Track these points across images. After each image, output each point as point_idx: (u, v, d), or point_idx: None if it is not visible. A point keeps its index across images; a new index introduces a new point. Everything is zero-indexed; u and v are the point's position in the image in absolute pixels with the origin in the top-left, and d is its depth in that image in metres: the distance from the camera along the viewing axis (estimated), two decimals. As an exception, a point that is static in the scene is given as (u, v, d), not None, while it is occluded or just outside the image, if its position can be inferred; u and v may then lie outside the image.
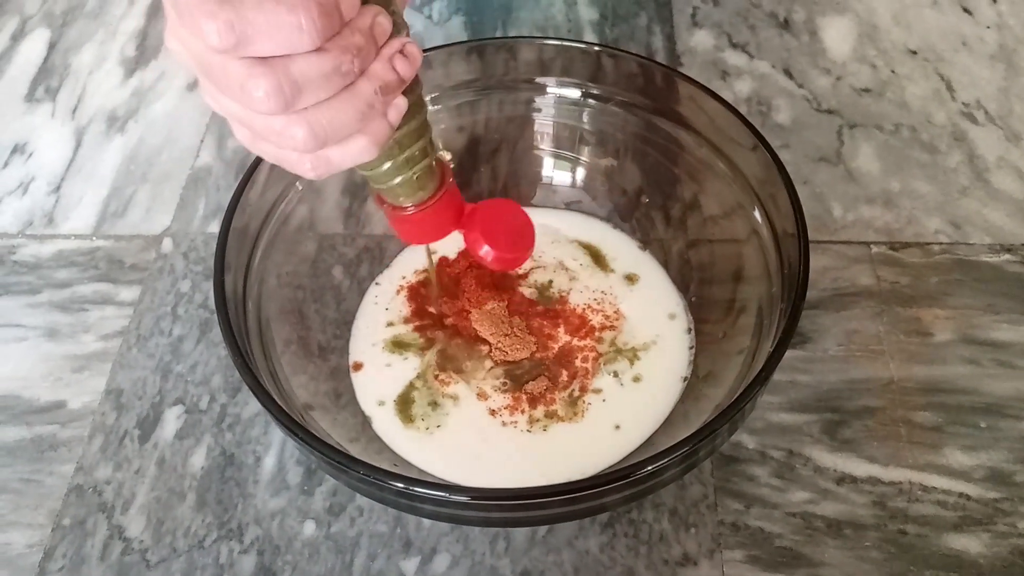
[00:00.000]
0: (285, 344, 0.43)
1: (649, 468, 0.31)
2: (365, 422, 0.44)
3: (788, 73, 0.62)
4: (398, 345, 0.47)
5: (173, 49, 0.27)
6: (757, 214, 0.43)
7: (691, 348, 0.46)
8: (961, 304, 0.49)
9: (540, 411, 0.44)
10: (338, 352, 0.47)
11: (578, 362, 0.45)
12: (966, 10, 0.66)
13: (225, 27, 0.24)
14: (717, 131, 0.45)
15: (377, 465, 0.32)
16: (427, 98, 0.49)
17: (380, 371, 0.46)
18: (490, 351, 0.46)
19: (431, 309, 0.48)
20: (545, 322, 0.47)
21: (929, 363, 0.47)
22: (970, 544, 0.41)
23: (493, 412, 0.44)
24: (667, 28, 0.66)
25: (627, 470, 0.31)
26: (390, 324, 0.48)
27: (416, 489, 0.31)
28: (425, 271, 0.50)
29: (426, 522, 0.43)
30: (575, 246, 0.51)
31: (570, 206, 0.52)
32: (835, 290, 0.50)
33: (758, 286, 0.43)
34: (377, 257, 0.51)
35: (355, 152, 0.29)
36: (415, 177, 0.35)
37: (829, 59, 0.63)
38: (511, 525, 0.41)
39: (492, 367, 0.45)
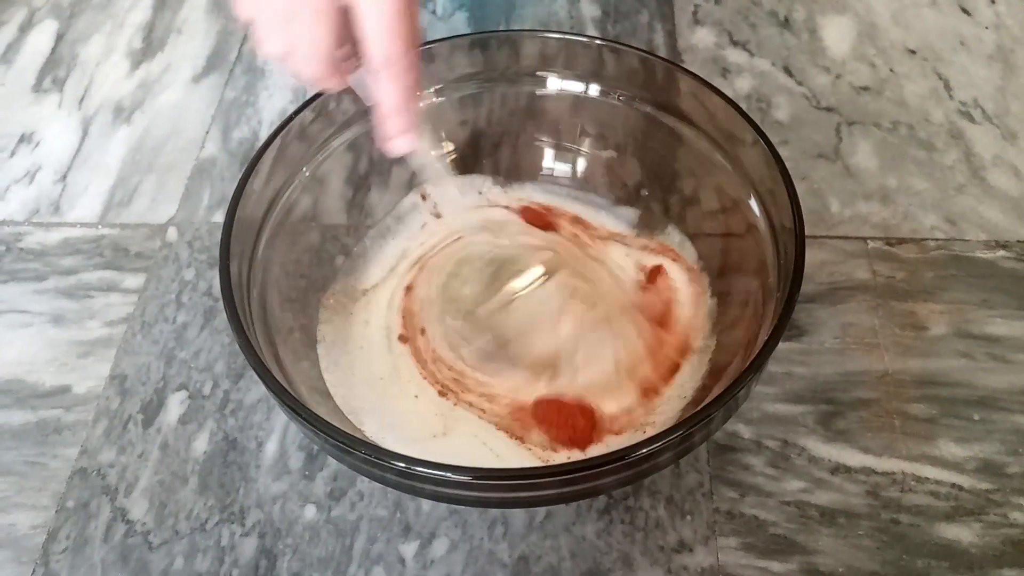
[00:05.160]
0: (288, 332, 0.44)
1: (644, 451, 0.32)
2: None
3: (788, 71, 0.63)
4: None
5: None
6: (755, 208, 0.44)
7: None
8: (956, 299, 0.50)
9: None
10: (340, 340, 0.47)
11: None
12: (964, 10, 0.67)
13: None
14: (717, 126, 0.46)
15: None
16: (431, 90, 0.50)
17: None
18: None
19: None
20: None
21: (923, 356, 0.48)
22: (962, 534, 0.42)
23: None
24: (668, 25, 0.67)
25: (622, 452, 0.32)
26: None
27: (417, 469, 0.32)
28: None
29: (425, 507, 0.43)
30: None
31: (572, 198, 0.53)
32: (831, 284, 0.51)
33: (755, 279, 0.43)
34: (379, 247, 0.51)
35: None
36: None
37: (828, 57, 0.64)
38: (509, 506, 0.41)
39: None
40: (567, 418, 0.42)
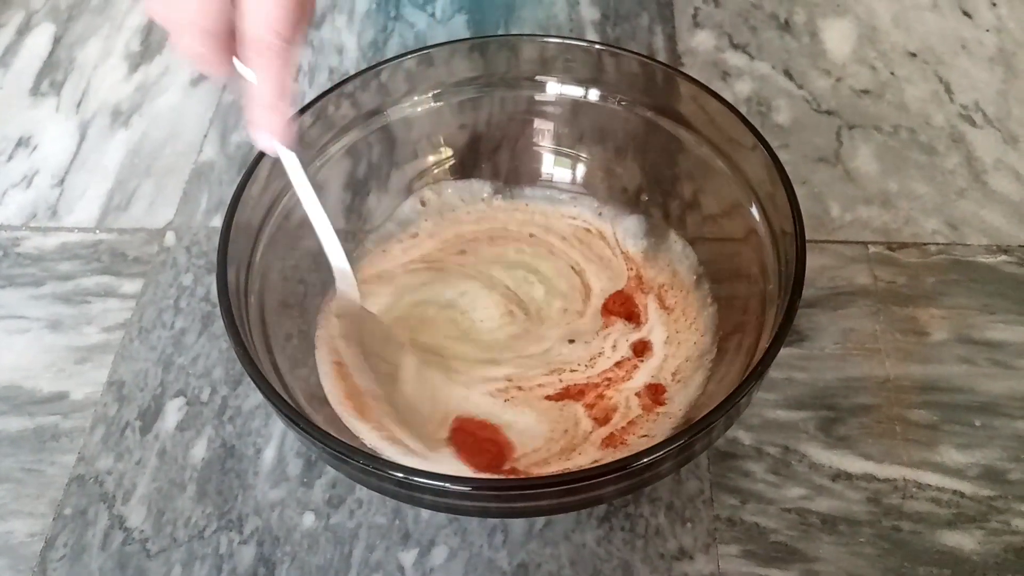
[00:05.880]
0: (286, 338, 0.44)
1: (645, 460, 0.31)
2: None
3: (788, 74, 0.63)
4: None
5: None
6: (756, 213, 0.44)
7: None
8: (957, 304, 0.50)
9: None
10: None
11: None
12: (966, 13, 0.67)
13: None
14: (717, 130, 0.46)
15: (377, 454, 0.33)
16: (430, 95, 0.50)
17: None
18: None
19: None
20: None
21: (925, 362, 0.47)
22: (964, 541, 0.41)
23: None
24: (668, 28, 0.66)
25: (623, 462, 0.31)
26: None
27: (415, 479, 0.32)
28: None
29: (424, 514, 0.43)
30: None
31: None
32: (832, 289, 0.51)
33: (756, 284, 0.43)
34: (378, 252, 0.51)
35: None
36: None
37: (829, 60, 0.64)
38: (509, 515, 0.41)
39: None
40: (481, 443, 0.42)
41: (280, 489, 0.44)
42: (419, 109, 0.50)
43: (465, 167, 0.53)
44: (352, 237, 0.51)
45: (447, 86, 0.50)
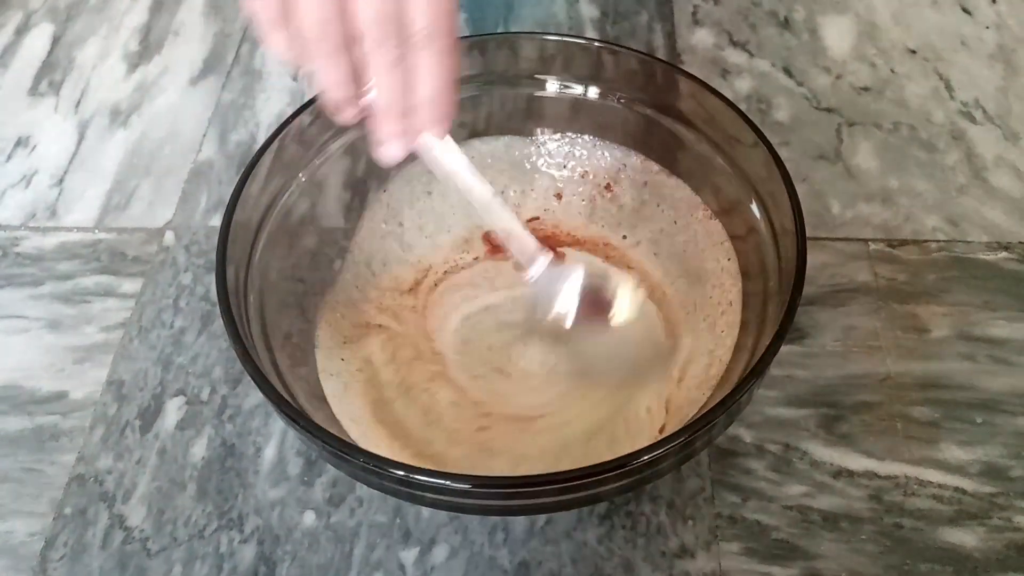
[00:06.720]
0: (286, 337, 0.44)
1: (646, 457, 0.31)
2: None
3: (788, 71, 0.63)
4: None
5: None
6: (756, 211, 0.44)
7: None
8: (958, 301, 0.50)
9: None
10: (339, 345, 0.47)
11: None
12: (965, 10, 0.67)
13: None
14: (717, 128, 0.46)
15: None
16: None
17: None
18: None
19: None
20: None
21: (926, 359, 0.47)
22: (965, 538, 0.41)
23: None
24: (667, 26, 0.66)
25: (624, 459, 0.31)
26: None
27: (416, 477, 0.32)
28: None
29: (425, 513, 0.43)
30: None
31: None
32: (833, 286, 0.51)
33: (756, 282, 0.43)
34: (378, 251, 0.51)
35: None
36: None
37: (829, 58, 0.64)
38: (510, 513, 0.41)
39: None
40: None
41: (280, 488, 0.44)
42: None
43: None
44: (352, 235, 0.51)
45: (446, 84, 0.50)
